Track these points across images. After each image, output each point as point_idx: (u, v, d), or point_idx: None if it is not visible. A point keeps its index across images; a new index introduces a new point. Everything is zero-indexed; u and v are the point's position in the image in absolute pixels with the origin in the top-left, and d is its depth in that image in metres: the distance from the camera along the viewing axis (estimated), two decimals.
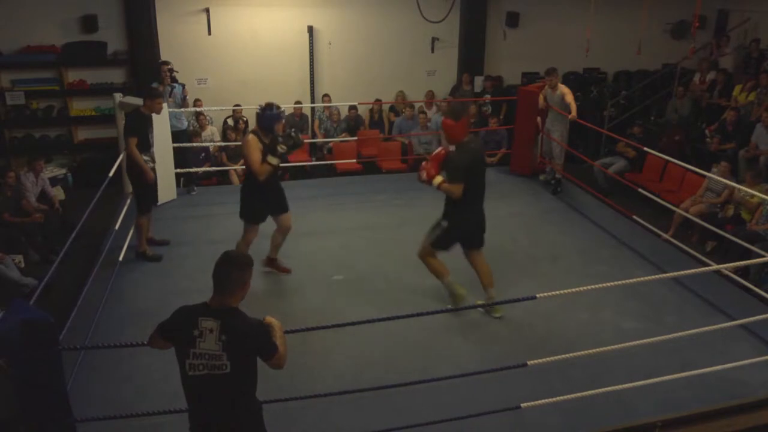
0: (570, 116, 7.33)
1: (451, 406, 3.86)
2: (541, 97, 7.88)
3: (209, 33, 9.31)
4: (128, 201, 6.58)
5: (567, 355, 3.78)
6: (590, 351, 3.78)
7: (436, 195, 7.54)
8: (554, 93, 7.61)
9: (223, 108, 9.13)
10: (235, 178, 8.64)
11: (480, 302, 4.82)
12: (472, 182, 4.65)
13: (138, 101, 7.02)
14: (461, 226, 4.80)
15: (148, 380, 4.14)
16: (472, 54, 10.38)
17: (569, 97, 7.39)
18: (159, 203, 7.17)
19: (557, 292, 3.55)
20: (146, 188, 5.83)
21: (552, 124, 7.80)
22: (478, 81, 10.24)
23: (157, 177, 6.00)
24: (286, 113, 9.56)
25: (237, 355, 2.56)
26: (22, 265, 6.34)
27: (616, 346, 3.89)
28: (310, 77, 9.88)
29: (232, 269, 2.61)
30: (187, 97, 7.84)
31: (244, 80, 9.58)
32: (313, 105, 9.70)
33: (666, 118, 9.73)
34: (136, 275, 5.62)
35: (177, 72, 7.69)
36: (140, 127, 5.73)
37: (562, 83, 7.85)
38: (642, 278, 4.03)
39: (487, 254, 6.13)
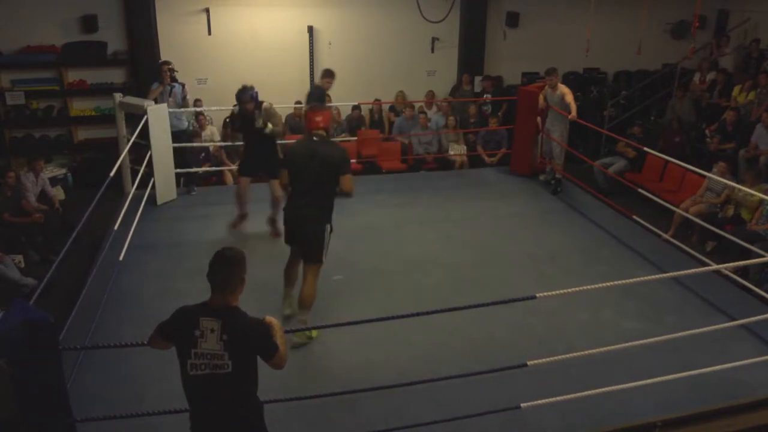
0: (570, 116, 7.32)
1: (451, 406, 3.86)
2: (541, 97, 7.88)
3: (209, 33, 9.31)
4: (128, 201, 6.58)
5: (567, 355, 3.79)
6: (590, 351, 3.78)
7: (434, 195, 7.57)
8: (554, 93, 7.61)
9: (223, 108, 9.10)
10: (229, 178, 8.63)
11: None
12: (292, 179, 4.51)
13: (139, 101, 7.03)
14: (285, 223, 4.67)
15: (148, 380, 4.14)
16: (472, 54, 10.38)
17: (569, 97, 7.38)
18: (159, 203, 7.21)
19: (557, 292, 3.55)
20: None
21: (552, 124, 7.79)
22: (478, 81, 10.24)
23: None
24: (286, 113, 9.65)
25: (238, 354, 2.56)
26: (22, 265, 6.35)
27: (616, 346, 3.89)
28: (310, 77, 9.87)
29: (227, 267, 2.60)
30: (188, 97, 7.84)
31: (244, 80, 9.49)
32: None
33: (666, 118, 9.73)
34: (136, 275, 5.62)
35: (177, 71, 7.69)
36: (322, 100, 6.95)
37: (562, 83, 7.85)
38: (642, 278, 4.04)
39: (487, 254, 6.18)
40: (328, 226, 4.54)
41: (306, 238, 4.56)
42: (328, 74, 7.00)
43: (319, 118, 4.54)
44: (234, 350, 2.54)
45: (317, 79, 7.31)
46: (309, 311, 4.59)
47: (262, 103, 6.00)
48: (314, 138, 4.53)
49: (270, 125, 5.93)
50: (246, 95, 5.90)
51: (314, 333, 4.65)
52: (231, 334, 2.54)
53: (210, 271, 2.60)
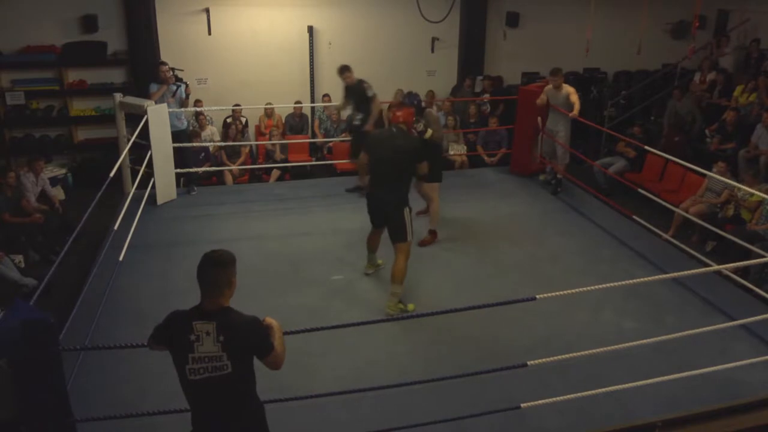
0: (571, 114, 7.31)
1: (451, 406, 3.86)
2: (543, 96, 7.79)
3: (209, 33, 9.31)
4: (128, 201, 6.58)
5: (567, 355, 3.78)
6: (590, 351, 3.78)
7: None
8: (559, 93, 7.56)
9: (223, 108, 9.12)
10: (229, 178, 8.63)
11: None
12: (371, 164, 5.09)
13: (139, 101, 7.03)
14: (367, 203, 5.27)
15: (148, 380, 4.14)
16: (472, 54, 10.38)
17: (574, 96, 7.36)
18: (159, 203, 7.21)
19: (557, 293, 3.55)
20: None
21: (555, 125, 7.73)
22: (479, 81, 10.24)
23: None
24: (286, 113, 9.63)
25: (237, 353, 2.55)
26: (22, 265, 6.35)
27: (616, 346, 3.89)
28: (310, 77, 9.88)
29: (213, 269, 2.57)
30: (190, 96, 7.83)
31: (244, 80, 9.58)
32: (313, 105, 9.70)
33: (666, 119, 9.72)
34: (136, 275, 5.62)
35: (182, 70, 7.68)
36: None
37: (564, 83, 7.81)
38: (642, 278, 4.03)
39: (487, 254, 6.18)
40: (407, 209, 5.05)
41: (389, 222, 5.14)
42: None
43: (399, 113, 5.25)
44: (232, 350, 2.54)
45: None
46: (401, 285, 5.04)
47: (425, 108, 6.11)
48: (394, 130, 5.12)
49: (430, 130, 5.85)
50: (409, 101, 5.99)
51: (410, 306, 5.09)
52: (227, 334, 2.53)
53: (198, 273, 2.58)
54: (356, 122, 7.24)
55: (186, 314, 2.59)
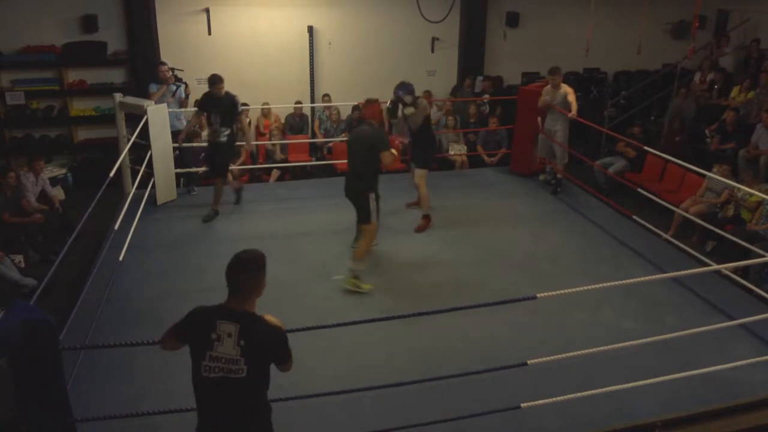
0: (570, 114, 7.31)
1: (451, 406, 3.86)
2: (543, 97, 7.79)
3: (209, 33, 9.31)
4: (128, 201, 6.58)
5: (567, 355, 3.79)
6: (590, 351, 3.78)
7: (434, 195, 7.57)
8: (557, 92, 7.57)
9: None
10: (229, 177, 8.60)
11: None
12: (348, 157, 5.55)
13: (139, 101, 7.03)
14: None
15: (148, 380, 4.14)
16: (472, 54, 10.38)
17: (572, 96, 7.37)
18: (159, 203, 7.21)
19: (557, 292, 3.55)
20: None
21: (553, 124, 7.74)
22: (479, 81, 10.25)
23: None
24: (286, 113, 9.63)
25: (254, 360, 2.53)
26: (22, 265, 6.34)
27: (616, 346, 3.89)
28: (310, 77, 9.88)
29: (245, 272, 2.56)
30: (190, 96, 7.81)
31: (244, 80, 9.55)
32: (313, 105, 9.70)
33: (667, 118, 9.72)
34: (136, 275, 5.62)
35: (182, 70, 7.68)
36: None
37: (563, 83, 7.82)
38: (642, 278, 4.03)
39: (487, 254, 6.18)
40: (372, 195, 5.40)
41: (354, 204, 5.52)
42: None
43: (366, 111, 5.63)
44: (250, 356, 2.51)
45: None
46: (359, 263, 5.40)
47: (418, 97, 6.55)
48: (364, 125, 5.51)
49: (412, 109, 6.31)
50: (399, 92, 6.40)
51: (366, 286, 5.39)
52: (248, 340, 2.50)
53: (226, 273, 2.56)
54: (222, 138, 6.68)
55: (210, 311, 2.57)
